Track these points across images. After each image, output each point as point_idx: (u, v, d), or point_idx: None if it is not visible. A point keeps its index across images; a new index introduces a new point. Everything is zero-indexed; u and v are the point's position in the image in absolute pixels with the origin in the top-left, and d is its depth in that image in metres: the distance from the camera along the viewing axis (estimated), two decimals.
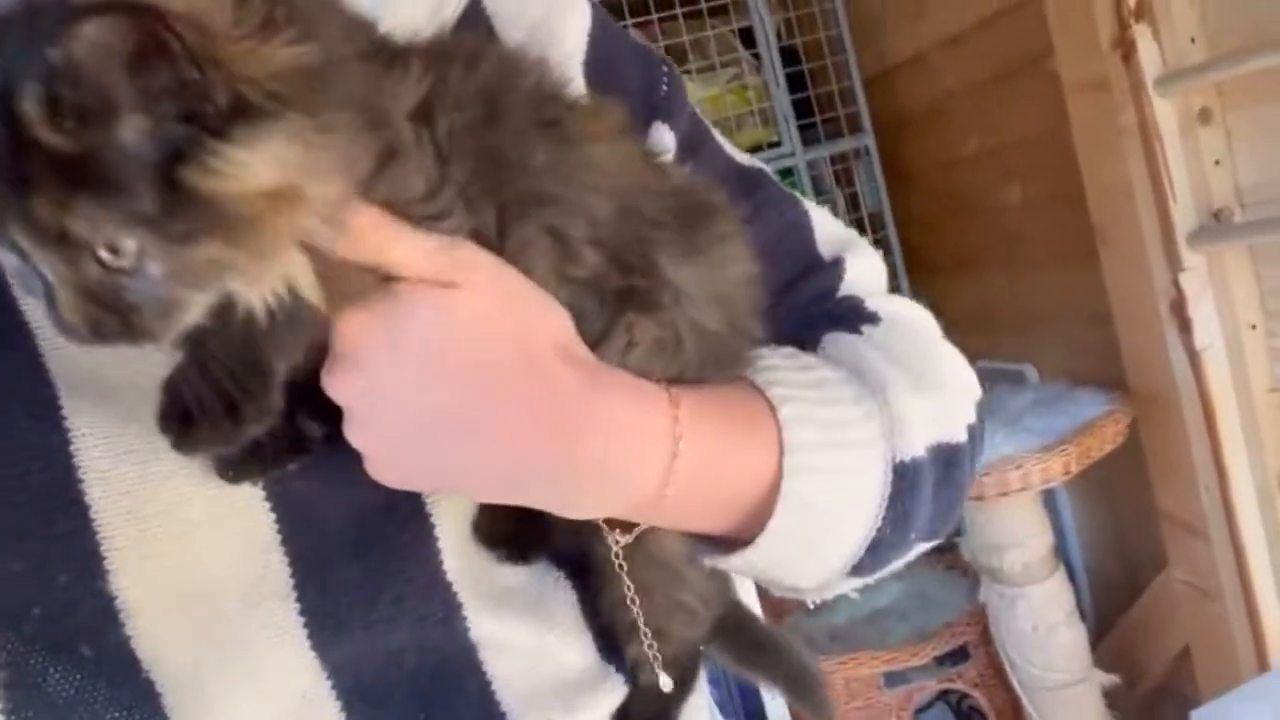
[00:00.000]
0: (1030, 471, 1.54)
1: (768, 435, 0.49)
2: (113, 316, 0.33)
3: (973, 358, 2.40)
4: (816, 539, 0.51)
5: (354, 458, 0.45)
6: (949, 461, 0.54)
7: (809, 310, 0.58)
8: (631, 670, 0.52)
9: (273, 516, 0.46)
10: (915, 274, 2.31)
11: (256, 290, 0.36)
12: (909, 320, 0.59)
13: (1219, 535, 1.67)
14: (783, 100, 2.14)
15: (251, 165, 0.32)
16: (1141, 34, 1.54)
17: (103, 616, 0.43)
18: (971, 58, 2.05)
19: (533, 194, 0.42)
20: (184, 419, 0.39)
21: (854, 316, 0.58)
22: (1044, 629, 1.71)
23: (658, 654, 0.49)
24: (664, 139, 0.57)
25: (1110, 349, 1.80)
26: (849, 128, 2.25)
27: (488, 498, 0.47)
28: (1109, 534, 2.08)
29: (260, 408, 0.40)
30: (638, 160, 0.48)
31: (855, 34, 2.24)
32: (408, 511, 0.48)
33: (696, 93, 2.16)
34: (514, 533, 0.50)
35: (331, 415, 0.43)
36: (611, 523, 0.49)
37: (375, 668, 0.48)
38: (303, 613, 0.46)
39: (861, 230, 2.27)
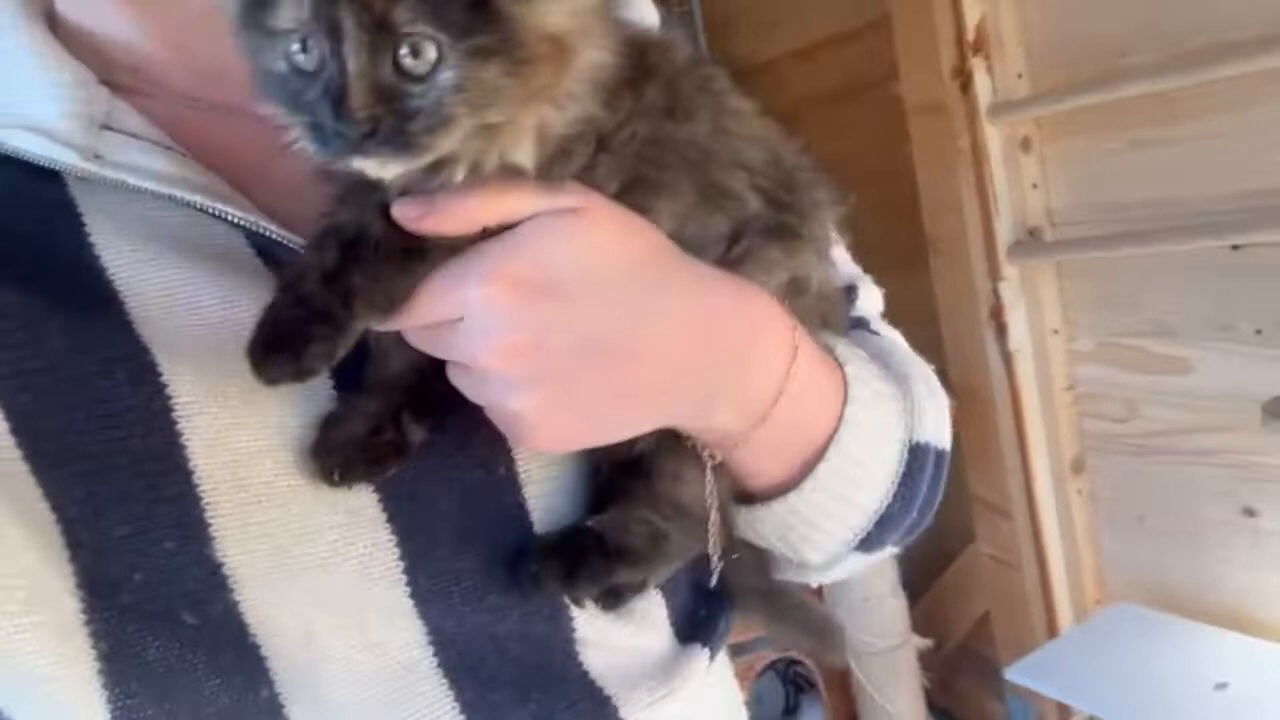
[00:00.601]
0: None
1: (837, 388, 0.52)
2: (391, 118, 0.35)
3: None
4: (846, 495, 0.53)
5: (455, 444, 0.46)
6: (938, 463, 0.58)
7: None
8: (624, 523, 0.51)
9: (376, 496, 0.46)
10: None
11: (503, 136, 0.37)
12: (904, 344, 0.65)
13: (1020, 514, 1.90)
14: None
15: (554, 3, 0.36)
16: (978, 66, 1.72)
17: (209, 583, 0.43)
18: (819, 71, 2.20)
19: (697, 152, 0.45)
20: (265, 348, 0.40)
21: (865, 330, 0.63)
22: (873, 600, 1.89)
23: (719, 565, 0.51)
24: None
25: (932, 347, 1.98)
26: None
27: (639, 426, 0.47)
28: None
29: (328, 351, 0.40)
30: (759, 115, 0.52)
31: (710, 36, 2.34)
32: (510, 503, 0.49)
33: None
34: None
35: (442, 407, 0.44)
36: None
37: (480, 649, 0.48)
38: (413, 595, 0.46)
39: None
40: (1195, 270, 1.56)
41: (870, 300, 0.66)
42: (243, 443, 0.43)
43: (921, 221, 1.92)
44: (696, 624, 0.56)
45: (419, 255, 0.41)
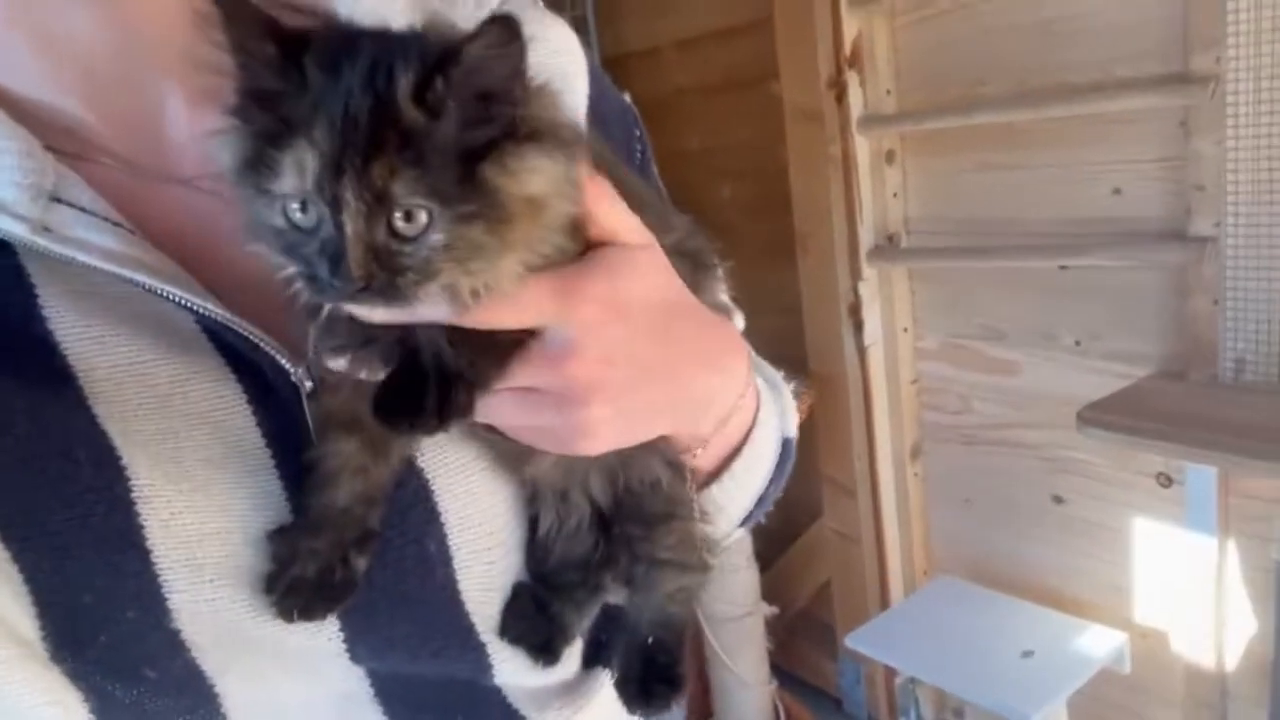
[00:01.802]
0: None
1: (754, 393, 0.60)
2: (384, 273, 0.38)
3: None
4: (746, 485, 0.61)
5: (390, 523, 0.50)
6: (793, 455, 0.68)
7: None
8: (661, 604, 0.57)
9: None
10: None
11: (490, 274, 0.41)
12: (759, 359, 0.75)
13: (864, 493, 2.08)
14: None
15: (534, 172, 0.40)
16: (852, 80, 1.83)
17: (169, 646, 0.46)
18: (702, 63, 2.27)
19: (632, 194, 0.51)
20: (398, 411, 0.43)
21: None
22: (728, 570, 2.02)
23: (708, 541, 0.57)
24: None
25: (793, 337, 2.12)
26: None
27: (655, 433, 0.53)
28: None
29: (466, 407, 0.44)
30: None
31: (599, 21, 2.37)
32: (441, 575, 0.52)
33: None
34: (543, 638, 0.57)
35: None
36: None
37: (410, 684, 0.53)
38: (352, 657, 0.51)
39: None
40: (1028, 284, 1.74)
41: (737, 323, 0.75)
42: (194, 525, 0.46)
43: (792, 218, 2.03)
44: (600, 648, 0.63)
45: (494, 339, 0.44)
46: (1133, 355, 1.61)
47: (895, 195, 1.90)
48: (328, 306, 0.43)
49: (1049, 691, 1.54)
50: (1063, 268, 1.66)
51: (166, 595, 0.45)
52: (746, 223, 2.28)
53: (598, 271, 0.46)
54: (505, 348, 0.44)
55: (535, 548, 0.57)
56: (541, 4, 0.63)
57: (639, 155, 0.67)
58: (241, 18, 0.38)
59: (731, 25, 2.13)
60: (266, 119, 0.38)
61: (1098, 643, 1.66)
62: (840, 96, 1.84)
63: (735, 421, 0.58)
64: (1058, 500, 1.80)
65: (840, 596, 2.23)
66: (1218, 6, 1.33)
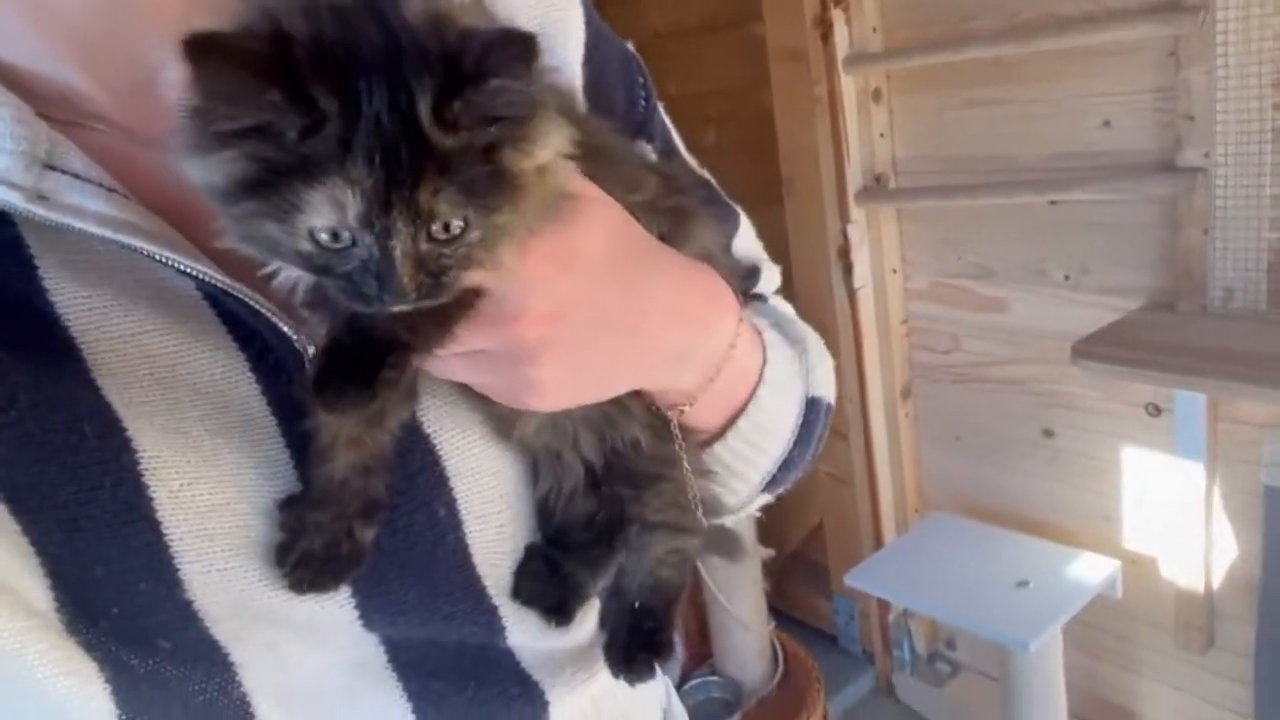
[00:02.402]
0: None
1: (759, 349, 0.59)
2: (430, 279, 0.39)
3: None
4: (759, 443, 0.60)
5: (397, 489, 0.50)
6: (826, 413, 0.66)
7: None
8: (652, 567, 0.57)
9: None
10: None
11: (512, 239, 0.41)
12: (796, 317, 0.72)
13: (856, 435, 2.09)
14: None
15: (545, 145, 0.41)
16: (838, 18, 1.81)
17: (181, 616, 0.46)
18: (680, 5, 2.23)
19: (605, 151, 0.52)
20: (336, 379, 0.43)
21: (764, 304, 0.71)
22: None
23: (699, 499, 0.55)
24: (646, 152, 0.65)
25: (784, 281, 2.12)
26: None
27: (625, 387, 0.52)
28: None
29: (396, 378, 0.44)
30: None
31: None
32: (451, 539, 0.53)
33: None
34: (557, 599, 0.57)
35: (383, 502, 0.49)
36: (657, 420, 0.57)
37: (424, 651, 0.53)
38: (364, 622, 0.51)
39: None
40: (1017, 221, 1.75)
41: (770, 281, 0.74)
42: (203, 496, 0.46)
43: (778, 161, 2.02)
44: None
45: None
46: (1123, 288, 1.62)
47: (882, 135, 1.89)
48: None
49: (1045, 619, 1.57)
50: (1052, 203, 1.67)
51: (178, 566, 0.45)
52: (732, 167, 2.23)
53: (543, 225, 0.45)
54: (450, 310, 0.43)
55: (538, 510, 0.57)
56: None
57: (643, 102, 0.65)
58: (227, 65, 0.35)
59: None
60: (272, 150, 0.37)
61: (1091, 570, 1.70)
62: (826, 35, 1.82)
63: (728, 375, 0.56)
64: (1048, 434, 1.83)
65: (833, 537, 2.26)
66: None
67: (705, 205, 0.62)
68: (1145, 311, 1.59)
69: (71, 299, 0.46)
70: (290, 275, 0.42)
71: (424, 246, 0.39)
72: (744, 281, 0.69)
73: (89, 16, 0.48)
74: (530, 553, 0.56)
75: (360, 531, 0.49)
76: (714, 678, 2.17)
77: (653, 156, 0.63)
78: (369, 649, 0.52)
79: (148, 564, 0.45)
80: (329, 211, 0.37)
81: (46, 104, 0.47)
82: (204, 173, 0.38)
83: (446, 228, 0.38)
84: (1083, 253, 1.67)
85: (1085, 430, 1.77)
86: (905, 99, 1.85)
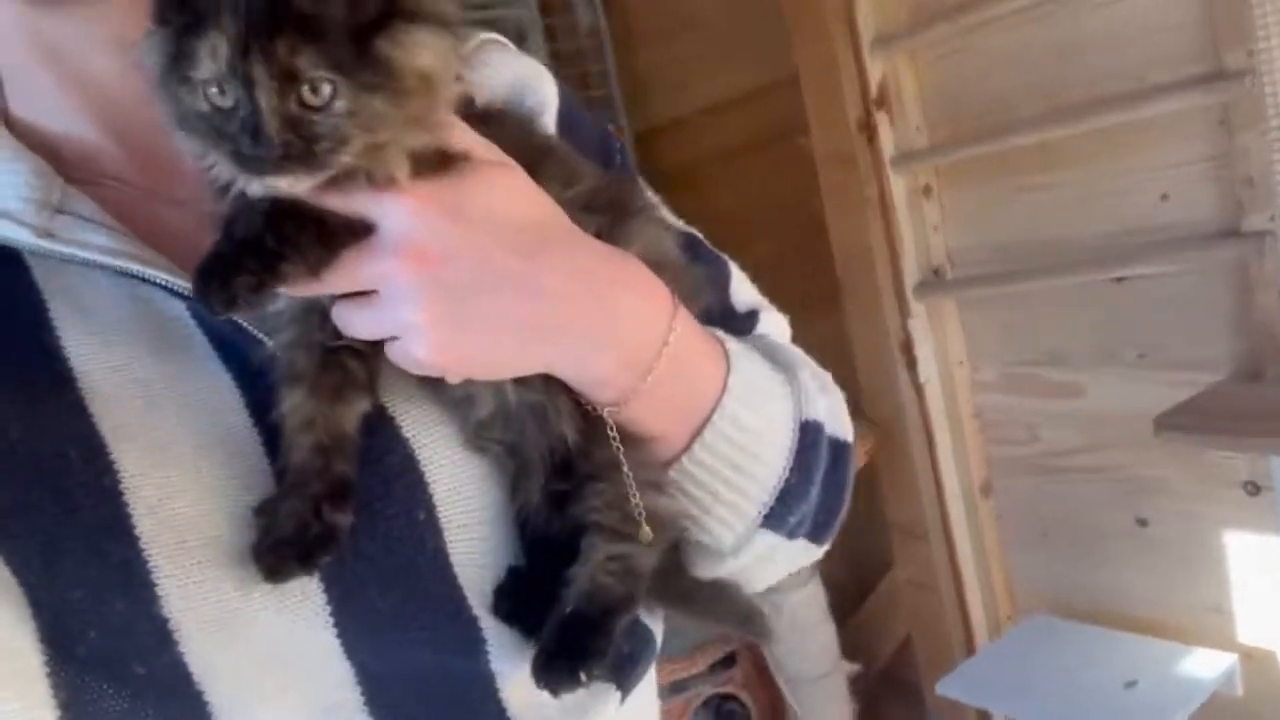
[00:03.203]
0: None
1: (720, 358, 0.57)
2: (300, 141, 0.42)
3: None
4: (741, 464, 0.57)
5: (376, 493, 0.50)
6: (838, 454, 0.63)
7: None
8: (591, 572, 0.54)
9: None
10: None
11: (388, 153, 0.44)
12: (807, 360, 0.69)
13: (936, 537, 2.01)
14: None
15: (423, 48, 0.44)
16: (881, 120, 1.86)
17: (157, 637, 0.46)
18: (730, 127, 2.32)
19: (546, 150, 0.55)
20: (203, 277, 0.45)
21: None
22: (804, 628, 1.95)
23: (642, 508, 0.53)
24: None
25: (848, 383, 2.09)
26: None
27: (528, 363, 0.51)
28: (840, 541, 2.39)
29: (254, 284, 0.45)
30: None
31: (625, 98, 2.45)
32: (431, 546, 0.52)
33: None
34: (539, 618, 0.55)
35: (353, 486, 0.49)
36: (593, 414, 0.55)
37: (403, 687, 0.52)
38: (340, 636, 0.50)
39: None
40: (1083, 302, 1.72)
41: (774, 326, 0.72)
42: (182, 508, 0.47)
43: (833, 265, 2.04)
44: (618, 662, 0.58)
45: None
46: (1200, 361, 1.57)
47: (935, 229, 1.90)
48: (234, 190, 0.45)
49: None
50: (1117, 280, 1.64)
51: (155, 580, 0.46)
52: (786, 276, 2.26)
53: (440, 176, 0.47)
54: (332, 230, 0.45)
55: (517, 525, 0.56)
56: (515, 49, 0.68)
57: (618, 160, 0.68)
58: None
59: (755, 86, 2.18)
60: (182, 17, 0.42)
61: (1204, 666, 1.58)
62: (871, 138, 1.87)
63: (670, 376, 0.53)
64: (1141, 523, 1.74)
65: (923, 649, 2.14)
66: (1241, 2, 1.34)
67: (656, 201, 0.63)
68: (1228, 384, 1.53)
69: (75, 334, 0.50)
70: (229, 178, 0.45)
71: (293, 108, 0.41)
72: (741, 323, 0.69)
73: (121, 90, 0.53)
74: (512, 573, 0.55)
75: (329, 514, 0.48)
76: None
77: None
78: (346, 690, 0.51)
79: (125, 581, 0.46)
80: (208, 60, 0.41)
81: (68, 164, 0.53)
82: (148, 55, 0.43)
83: (315, 92, 0.41)
84: (1154, 329, 1.62)
85: (1181, 516, 1.68)
86: (955, 192, 1.87)
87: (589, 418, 0.54)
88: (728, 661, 2.07)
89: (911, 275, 1.91)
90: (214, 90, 0.42)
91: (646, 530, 0.54)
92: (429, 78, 0.44)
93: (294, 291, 0.47)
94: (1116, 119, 1.53)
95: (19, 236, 0.50)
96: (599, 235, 0.54)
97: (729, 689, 2.09)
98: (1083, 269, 1.67)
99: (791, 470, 0.59)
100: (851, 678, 2.06)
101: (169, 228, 0.54)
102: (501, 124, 0.54)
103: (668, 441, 0.56)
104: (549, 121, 0.65)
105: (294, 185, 0.44)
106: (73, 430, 0.47)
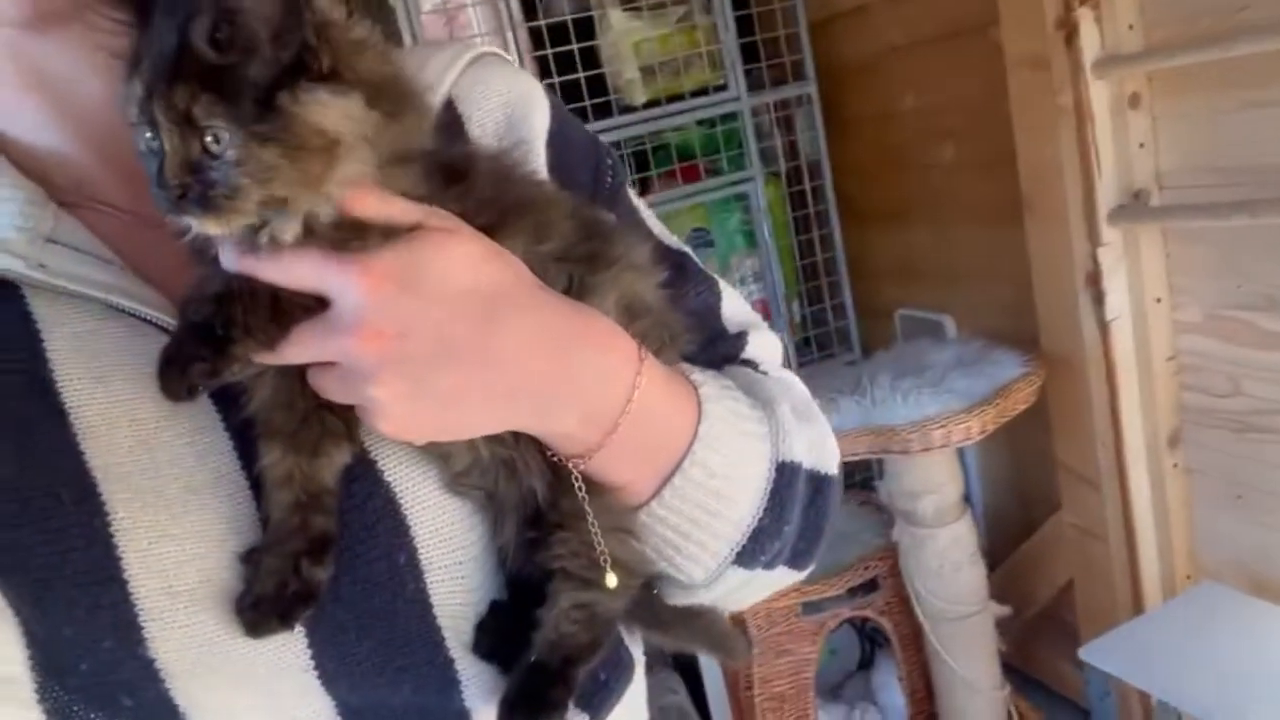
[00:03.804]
0: (952, 430, 1.66)
1: (691, 405, 0.57)
2: (197, 186, 0.43)
3: (895, 305, 2.52)
4: (712, 508, 0.57)
5: (358, 537, 0.51)
6: (818, 488, 0.62)
7: (714, 368, 0.66)
8: (556, 621, 0.55)
9: None
10: (847, 221, 2.38)
11: (293, 206, 0.45)
12: (795, 382, 0.68)
13: (1110, 486, 1.84)
14: (731, 44, 2.14)
15: (325, 107, 0.44)
16: (1085, 17, 1.61)
17: (144, 675, 0.49)
18: (915, 15, 2.09)
19: (522, 204, 0.54)
20: (162, 365, 0.47)
21: (753, 369, 0.67)
22: (949, 567, 1.87)
23: (607, 556, 0.54)
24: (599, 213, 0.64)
25: (1025, 309, 1.92)
26: (793, 74, 2.27)
27: (486, 424, 0.52)
28: (1008, 476, 2.25)
29: (209, 370, 0.47)
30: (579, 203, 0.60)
31: None
32: (412, 589, 0.53)
33: (645, 31, 2.14)
34: (511, 655, 0.56)
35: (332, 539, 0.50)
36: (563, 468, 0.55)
37: (378, 717, 0.54)
38: (320, 677, 0.52)
39: (799, 177, 2.35)
40: None
41: (764, 346, 0.69)
42: (171, 553, 0.49)
43: (1019, 177, 1.83)
44: (592, 690, 0.59)
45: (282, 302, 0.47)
46: None
47: (1142, 145, 1.65)
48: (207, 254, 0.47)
49: None
50: None
51: (142, 624, 0.48)
52: (972, 184, 2.09)
53: (394, 248, 0.47)
54: (287, 308, 0.46)
55: (499, 563, 0.56)
56: (513, 62, 0.68)
57: (609, 181, 0.67)
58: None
59: None
60: (130, 64, 0.45)
61: None
62: (1070, 37, 1.62)
63: (639, 428, 0.53)
64: None
65: (1084, 599, 2.00)
66: None
67: (641, 247, 0.60)
68: None
69: (69, 368, 0.51)
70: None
71: (194, 152, 0.43)
72: (730, 345, 0.67)
73: (110, 114, 0.52)
74: (494, 608, 0.56)
75: (308, 570, 0.49)
76: None
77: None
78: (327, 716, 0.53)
79: (113, 623, 0.48)
80: (131, 104, 0.44)
81: (61, 189, 0.54)
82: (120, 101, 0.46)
83: (216, 139, 0.43)
84: None
85: None
86: (1170, 103, 1.61)
87: (557, 469, 0.55)
88: (869, 587, 2.03)
89: (1108, 198, 1.68)
90: (143, 134, 0.44)
91: (612, 577, 0.55)
92: (330, 138, 0.44)
93: (259, 362, 0.48)
94: None
95: (14, 267, 0.51)
96: (570, 287, 0.54)
97: (868, 614, 2.06)
98: None
99: (766, 510, 0.59)
100: (1001, 619, 1.97)
101: (162, 257, 0.54)
102: (473, 179, 0.52)
103: (636, 489, 0.56)
104: (539, 148, 0.63)
105: (200, 227, 0.45)
106: (64, 469, 0.49)
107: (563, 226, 0.55)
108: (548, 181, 0.59)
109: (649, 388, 0.54)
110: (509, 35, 2.06)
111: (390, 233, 0.47)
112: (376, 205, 0.47)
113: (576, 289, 0.55)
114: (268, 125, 0.43)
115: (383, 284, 0.46)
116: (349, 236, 0.46)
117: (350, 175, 0.45)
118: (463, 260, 0.48)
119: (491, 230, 0.51)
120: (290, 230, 0.45)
